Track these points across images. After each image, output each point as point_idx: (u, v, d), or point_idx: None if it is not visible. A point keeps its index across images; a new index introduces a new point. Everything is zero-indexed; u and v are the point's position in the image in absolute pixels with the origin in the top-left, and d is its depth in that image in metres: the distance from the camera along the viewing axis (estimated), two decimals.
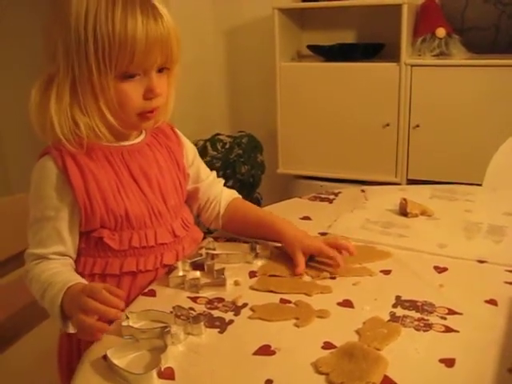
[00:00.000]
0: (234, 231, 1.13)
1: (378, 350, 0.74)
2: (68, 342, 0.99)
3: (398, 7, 2.26)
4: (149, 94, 0.91)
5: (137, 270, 0.95)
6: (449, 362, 0.72)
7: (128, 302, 0.89)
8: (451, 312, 0.84)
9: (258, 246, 1.04)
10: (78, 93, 0.88)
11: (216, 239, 1.10)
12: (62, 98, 0.88)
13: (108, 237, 0.93)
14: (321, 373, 0.70)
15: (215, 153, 2.67)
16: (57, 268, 0.90)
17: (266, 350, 0.76)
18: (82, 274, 0.93)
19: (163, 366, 0.72)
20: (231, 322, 0.83)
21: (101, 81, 0.87)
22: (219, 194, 1.13)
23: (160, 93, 0.92)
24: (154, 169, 0.99)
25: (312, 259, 1.00)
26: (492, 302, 0.87)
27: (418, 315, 0.83)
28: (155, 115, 0.95)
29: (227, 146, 2.69)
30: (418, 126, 2.35)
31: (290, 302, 0.88)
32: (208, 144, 2.67)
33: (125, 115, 0.91)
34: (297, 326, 0.82)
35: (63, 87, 0.88)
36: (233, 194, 1.16)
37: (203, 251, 1.02)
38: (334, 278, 0.96)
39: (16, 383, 1.14)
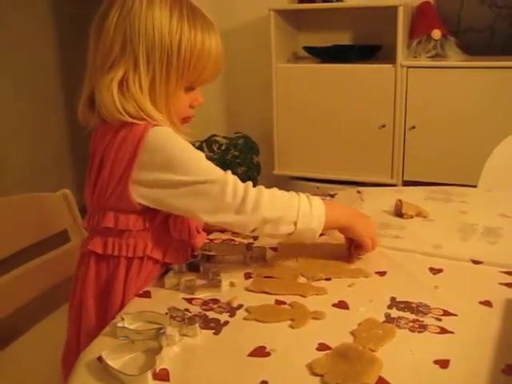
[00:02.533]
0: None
1: (373, 351, 0.74)
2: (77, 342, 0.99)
3: (394, 9, 2.27)
4: (195, 103, 1.01)
5: (173, 261, 0.98)
6: (443, 363, 0.72)
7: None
8: (446, 313, 0.84)
9: (253, 248, 1.04)
10: (154, 93, 0.94)
11: (212, 241, 1.10)
12: (146, 92, 0.93)
13: (172, 219, 0.96)
14: (316, 374, 0.70)
15: (211, 154, 2.67)
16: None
17: (261, 352, 0.76)
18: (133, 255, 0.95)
19: (158, 367, 0.72)
20: (226, 323, 0.83)
21: (176, 88, 0.95)
22: None
23: (203, 103, 1.01)
24: None
25: None
26: (487, 303, 0.87)
27: (412, 316, 0.83)
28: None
29: (223, 147, 2.70)
30: (413, 127, 2.36)
31: (285, 303, 0.88)
32: (204, 145, 2.67)
33: (177, 119, 0.99)
34: (292, 327, 0.82)
35: (145, 83, 0.93)
36: None
37: (199, 252, 1.03)
38: (329, 280, 0.96)
39: (16, 380, 1.14)
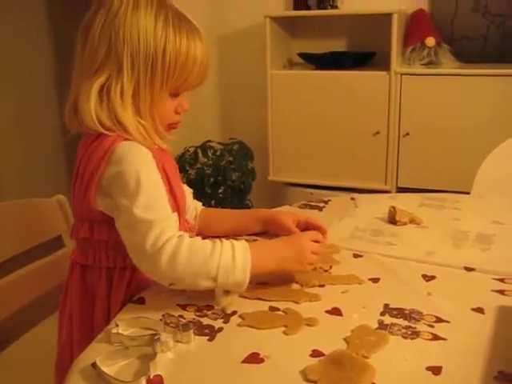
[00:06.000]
0: (211, 227, 1.15)
1: (366, 357, 0.75)
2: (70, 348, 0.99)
3: (389, 16, 2.29)
4: (180, 109, 1.00)
5: None
6: (436, 370, 0.73)
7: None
8: (439, 320, 0.84)
9: None
10: (139, 98, 0.93)
11: None
12: (127, 99, 0.92)
13: None
14: (309, 381, 0.70)
15: (206, 159, 2.67)
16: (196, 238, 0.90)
17: (254, 358, 0.76)
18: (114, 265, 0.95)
19: (152, 373, 0.72)
20: (220, 329, 0.84)
21: (160, 93, 0.94)
22: (193, 200, 1.17)
23: (189, 109, 1.00)
24: (171, 168, 1.03)
25: None
26: (479, 310, 0.88)
27: (405, 323, 0.84)
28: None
29: (218, 153, 2.70)
30: (407, 134, 2.37)
31: (278, 309, 0.88)
32: (199, 151, 2.67)
33: (162, 126, 0.98)
34: (285, 333, 0.82)
35: (127, 89, 0.92)
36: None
37: None
38: (322, 286, 0.96)
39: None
